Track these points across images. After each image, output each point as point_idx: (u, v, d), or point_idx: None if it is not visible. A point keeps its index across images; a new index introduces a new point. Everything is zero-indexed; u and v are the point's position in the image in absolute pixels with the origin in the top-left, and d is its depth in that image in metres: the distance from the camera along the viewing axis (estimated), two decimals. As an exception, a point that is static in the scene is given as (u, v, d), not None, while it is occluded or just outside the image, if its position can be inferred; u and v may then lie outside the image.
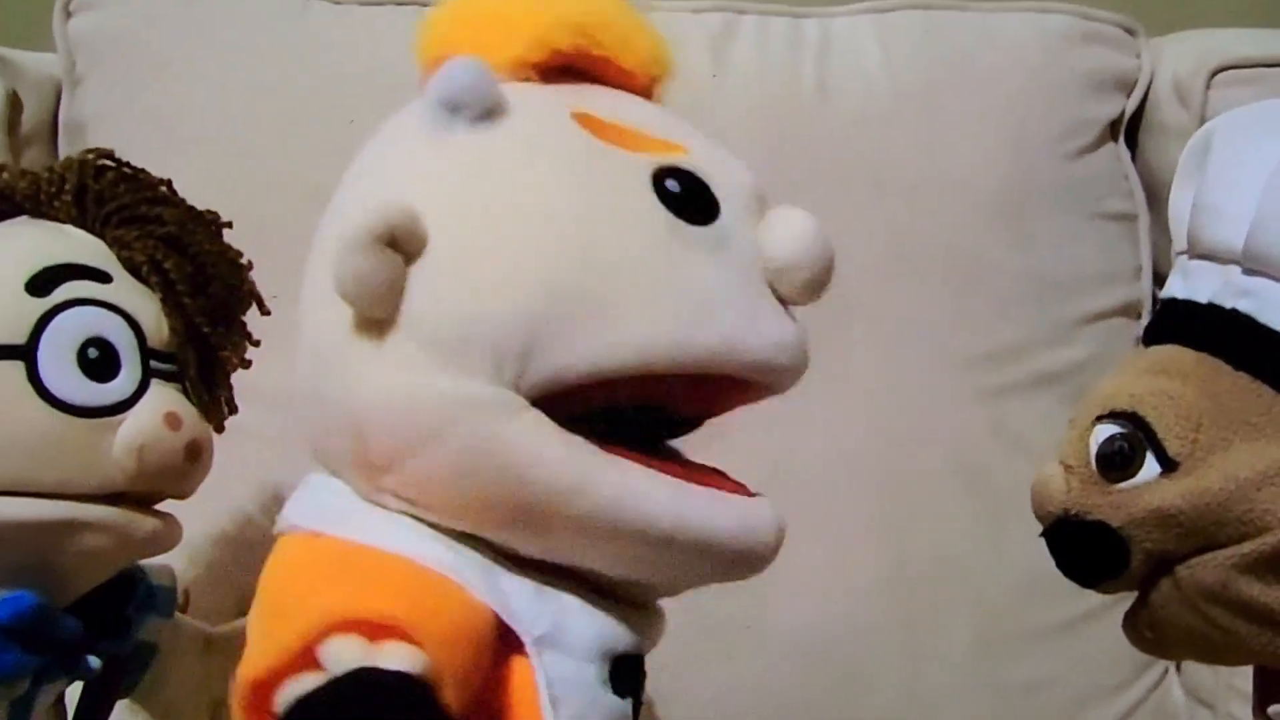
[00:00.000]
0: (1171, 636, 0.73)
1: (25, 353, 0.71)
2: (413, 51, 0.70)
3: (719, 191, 0.64)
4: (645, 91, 0.70)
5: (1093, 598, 0.75)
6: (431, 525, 0.62)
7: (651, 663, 0.69)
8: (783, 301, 0.65)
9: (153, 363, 0.75)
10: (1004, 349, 1.20)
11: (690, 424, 0.69)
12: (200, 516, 0.84)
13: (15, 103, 1.19)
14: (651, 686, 0.69)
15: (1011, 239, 1.21)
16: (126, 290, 0.76)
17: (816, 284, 0.65)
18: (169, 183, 0.82)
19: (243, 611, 0.64)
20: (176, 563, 0.85)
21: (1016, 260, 1.21)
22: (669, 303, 0.60)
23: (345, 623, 0.56)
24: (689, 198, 0.63)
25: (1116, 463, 0.70)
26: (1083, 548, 0.72)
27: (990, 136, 1.23)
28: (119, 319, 0.74)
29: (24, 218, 0.79)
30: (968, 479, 1.17)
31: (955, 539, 1.16)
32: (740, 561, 0.64)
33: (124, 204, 0.79)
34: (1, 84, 1.18)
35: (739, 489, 0.65)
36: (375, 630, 0.57)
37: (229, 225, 0.83)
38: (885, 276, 1.19)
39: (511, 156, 0.62)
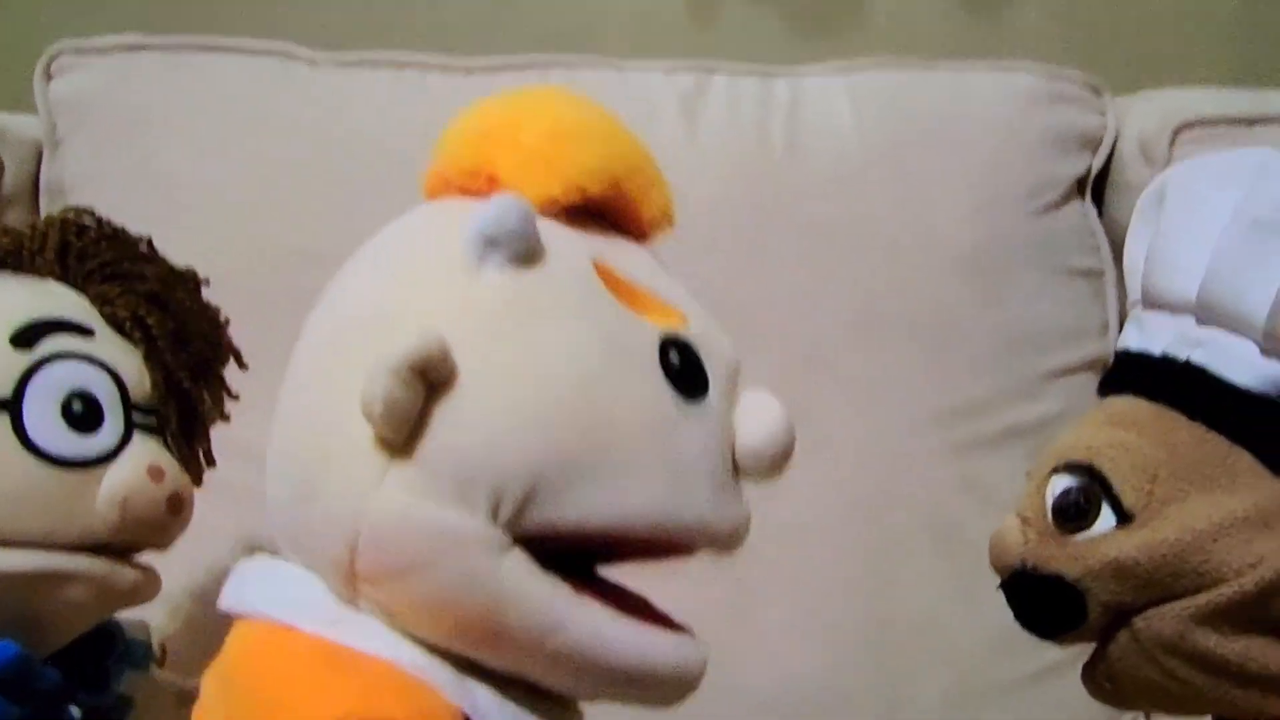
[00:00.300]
0: (1130, 688, 0.73)
1: (10, 405, 0.72)
2: (434, 150, 0.71)
3: (709, 366, 0.66)
4: (648, 236, 0.71)
5: (1063, 650, 0.76)
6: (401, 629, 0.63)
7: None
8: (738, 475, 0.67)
9: (135, 416, 0.75)
10: (974, 404, 1.22)
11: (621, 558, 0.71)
12: (179, 569, 0.84)
13: (-5, 165, 1.20)
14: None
15: (980, 295, 1.23)
16: (109, 345, 0.77)
17: (778, 470, 0.67)
18: (149, 241, 0.83)
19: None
20: (156, 616, 0.85)
21: (985, 316, 1.23)
22: (661, 477, 0.62)
23: None
24: (687, 372, 0.64)
25: (1072, 515, 0.71)
26: (1040, 600, 0.72)
27: (959, 194, 1.24)
28: (102, 373, 0.75)
29: (7, 273, 0.79)
30: (939, 533, 1.18)
31: (928, 593, 1.16)
32: (675, 694, 0.66)
33: (106, 260, 0.80)
34: (-17, 146, 1.19)
35: (667, 622, 0.67)
36: None
37: (207, 283, 0.84)
38: (856, 333, 1.21)
39: (541, 310, 0.63)
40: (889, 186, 1.24)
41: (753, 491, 1.09)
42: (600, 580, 0.67)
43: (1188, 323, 0.73)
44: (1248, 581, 0.67)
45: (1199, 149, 1.21)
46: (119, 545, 0.75)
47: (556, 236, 0.65)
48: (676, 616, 0.67)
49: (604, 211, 0.69)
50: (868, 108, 1.27)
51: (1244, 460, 0.70)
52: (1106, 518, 0.71)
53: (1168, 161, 1.23)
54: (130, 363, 0.77)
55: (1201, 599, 0.68)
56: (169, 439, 0.78)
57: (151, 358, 0.78)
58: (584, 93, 1.23)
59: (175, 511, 0.76)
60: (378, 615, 0.63)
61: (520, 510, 0.60)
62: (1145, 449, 0.71)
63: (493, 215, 0.63)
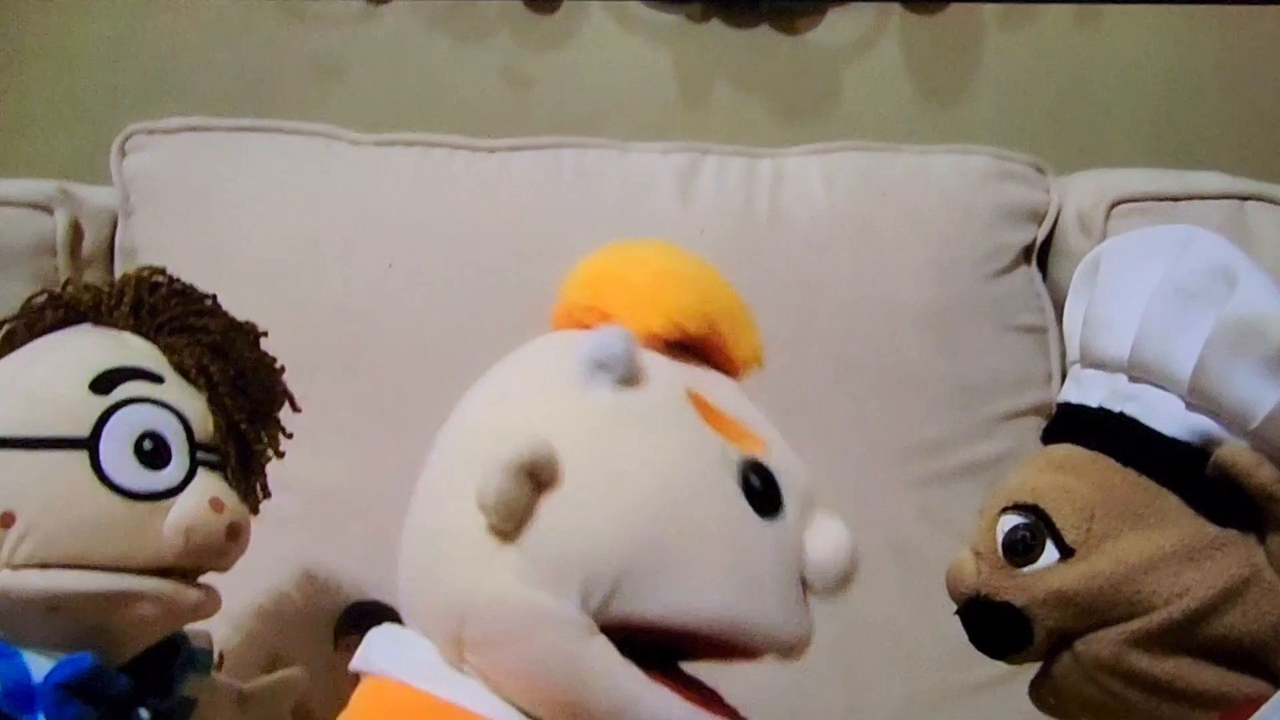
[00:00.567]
0: (1072, 703, 0.73)
1: (89, 444, 0.72)
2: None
3: (785, 489, 0.66)
4: (737, 372, 0.72)
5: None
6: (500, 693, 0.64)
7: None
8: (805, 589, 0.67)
9: (199, 454, 0.76)
10: (931, 444, 1.21)
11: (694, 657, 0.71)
12: (238, 589, 0.84)
13: (77, 230, 1.21)
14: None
15: (938, 348, 1.23)
16: (177, 390, 0.77)
17: (843, 587, 0.67)
18: (214, 297, 0.83)
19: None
20: (219, 629, 0.85)
21: (942, 367, 1.23)
22: (735, 583, 0.62)
23: None
24: (765, 494, 0.65)
25: (1020, 550, 0.71)
26: (992, 625, 0.72)
27: (919, 260, 1.24)
28: (170, 415, 0.75)
29: (87, 325, 0.80)
30: (900, 557, 1.17)
31: (889, 610, 1.15)
32: None
33: (175, 315, 0.80)
34: (66, 214, 1.19)
35: (733, 714, 0.67)
36: None
37: (265, 335, 0.84)
38: (829, 380, 1.21)
39: (639, 427, 0.64)
40: (859, 253, 1.24)
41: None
42: (678, 671, 0.68)
43: (1121, 379, 0.73)
44: (1176, 609, 0.68)
45: (1130, 222, 1.22)
46: (184, 568, 0.75)
47: (657, 364, 0.66)
48: (743, 711, 0.68)
49: (700, 348, 0.69)
50: (840, 185, 1.27)
51: (1171, 501, 0.70)
52: (1050, 552, 0.71)
53: (1103, 233, 1.23)
54: (195, 406, 0.77)
55: (1135, 625, 0.68)
56: (229, 474, 0.78)
57: (214, 402, 0.78)
58: (591, 170, 1.26)
59: (234, 538, 0.76)
60: (480, 679, 0.63)
61: (607, 601, 0.60)
62: (1084, 491, 0.71)
63: (601, 341, 0.64)
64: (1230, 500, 0.69)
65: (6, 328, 0.81)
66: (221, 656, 0.89)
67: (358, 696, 0.66)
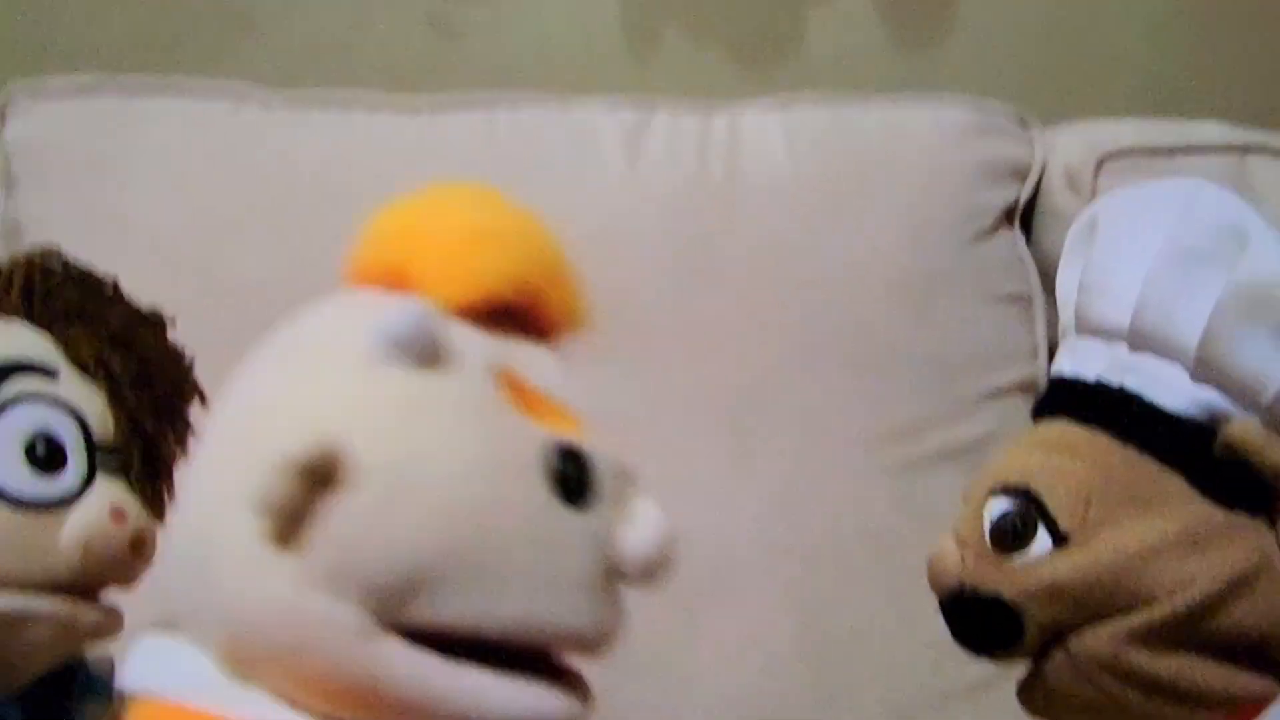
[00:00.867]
0: (1065, 705, 0.73)
1: (-27, 447, 0.71)
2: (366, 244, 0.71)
3: (598, 473, 0.65)
4: (557, 338, 0.71)
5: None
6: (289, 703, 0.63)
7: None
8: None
9: (98, 457, 0.74)
10: (908, 426, 1.22)
11: None
12: (144, 607, 0.84)
13: (-48, 206, 1.19)
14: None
15: (914, 321, 1.23)
16: (73, 387, 0.75)
17: (653, 579, 0.66)
18: (116, 283, 0.82)
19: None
20: (120, 650, 0.84)
21: (919, 341, 1.23)
22: (538, 585, 0.62)
23: None
24: (575, 481, 0.64)
25: (1010, 537, 0.71)
26: (978, 620, 0.72)
27: (893, 223, 1.25)
28: (66, 415, 0.74)
29: (-31, 314, 0.79)
30: (877, 550, 1.18)
31: (865, 607, 1.17)
32: None
33: (71, 302, 0.79)
34: (-62, 187, 1.18)
35: (558, 672, 0.66)
36: None
37: (174, 324, 0.83)
38: (794, 357, 1.21)
39: (437, 417, 0.62)
40: (825, 217, 1.24)
41: (695, 510, 1.11)
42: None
43: (1120, 349, 0.73)
44: (1179, 601, 0.68)
45: (1122, 178, 1.22)
46: (83, 585, 0.74)
47: (463, 338, 0.64)
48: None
49: (516, 314, 0.68)
50: (803, 141, 1.27)
51: (1175, 483, 0.70)
52: (1043, 540, 0.71)
53: (1092, 190, 1.24)
54: (94, 404, 0.76)
55: (1135, 618, 0.69)
56: (132, 479, 0.77)
57: (115, 399, 0.77)
58: (528, 129, 1.25)
59: (138, 551, 0.74)
60: (267, 690, 0.62)
61: (400, 606, 0.60)
62: (1080, 472, 0.71)
63: (398, 318, 0.62)
64: (1239, 481, 0.69)
65: None
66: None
67: None
